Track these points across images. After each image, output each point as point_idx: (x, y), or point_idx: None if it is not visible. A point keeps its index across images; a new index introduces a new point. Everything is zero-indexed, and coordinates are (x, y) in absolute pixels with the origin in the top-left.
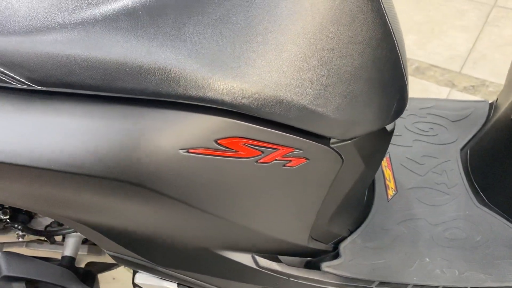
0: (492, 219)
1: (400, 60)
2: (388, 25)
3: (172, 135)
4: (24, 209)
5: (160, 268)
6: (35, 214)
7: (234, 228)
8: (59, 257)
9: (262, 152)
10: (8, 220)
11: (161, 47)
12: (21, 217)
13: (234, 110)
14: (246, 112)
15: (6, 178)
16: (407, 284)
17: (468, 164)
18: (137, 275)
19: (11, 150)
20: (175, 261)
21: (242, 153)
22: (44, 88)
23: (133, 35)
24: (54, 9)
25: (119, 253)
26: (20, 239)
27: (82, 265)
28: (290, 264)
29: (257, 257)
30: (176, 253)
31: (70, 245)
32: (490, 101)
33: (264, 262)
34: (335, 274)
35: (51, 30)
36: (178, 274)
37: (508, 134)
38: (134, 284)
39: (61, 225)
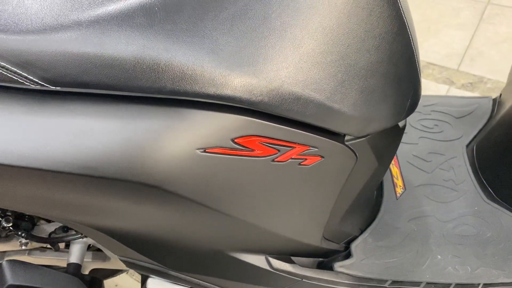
0: (501, 214)
1: (414, 55)
2: (404, 20)
3: (189, 135)
4: (35, 215)
5: (172, 273)
6: (38, 221)
7: (248, 229)
8: (63, 264)
9: (278, 150)
10: (11, 227)
11: (178, 43)
12: (24, 225)
13: (251, 108)
14: (264, 109)
15: (18, 181)
16: (420, 282)
17: (475, 160)
18: (149, 280)
19: (23, 153)
20: (189, 264)
21: (258, 152)
22: (58, 88)
23: (150, 31)
24: (68, 6)
25: (131, 258)
26: (23, 247)
27: (87, 272)
28: (303, 265)
29: (270, 259)
30: (190, 257)
31: (75, 252)
32: (493, 97)
33: (277, 263)
34: (348, 274)
35: (65, 28)
36: (191, 278)
37: None
38: None
39: (66, 231)
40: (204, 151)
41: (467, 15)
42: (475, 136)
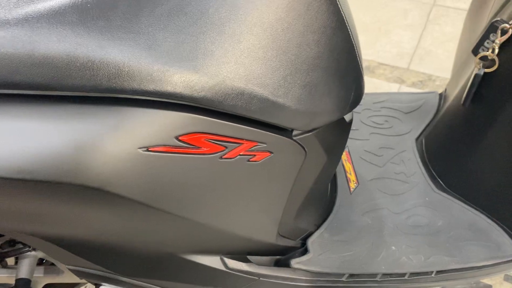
0: (451, 204)
1: (355, 49)
2: (342, 14)
3: (130, 134)
4: None
5: (124, 279)
6: None
7: (200, 230)
8: (12, 281)
9: (226, 147)
10: None
11: (113, 40)
12: None
13: (194, 105)
14: (207, 106)
15: None
16: (376, 274)
17: (424, 152)
18: None
19: None
20: (140, 269)
21: (205, 149)
22: None
23: (83, 28)
24: None
25: (80, 266)
26: None
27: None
28: (259, 264)
29: (225, 259)
30: (141, 261)
31: (24, 267)
32: (439, 92)
33: (233, 263)
34: (305, 270)
35: None
36: (144, 283)
37: (460, 120)
38: None
39: (13, 245)
40: (147, 150)
41: (414, 16)
42: (423, 130)
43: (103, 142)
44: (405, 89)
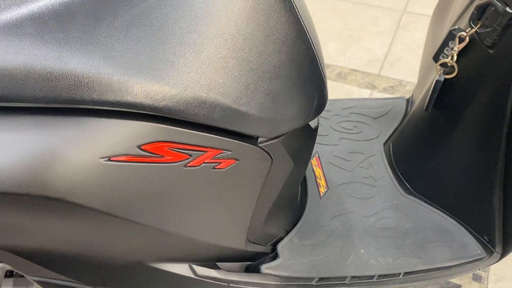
0: (418, 206)
1: (316, 58)
2: (302, 24)
3: (90, 144)
4: None
5: None
6: None
7: (167, 238)
8: None
9: (190, 155)
10: None
11: (71, 51)
12: None
13: (156, 114)
14: (169, 115)
15: None
16: (345, 277)
17: (392, 156)
18: None
19: None
20: (108, 279)
21: (168, 157)
22: None
23: (40, 40)
24: None
25: (46, 277)
26: None
27: None
28: (229, 270)
29: (194, 266)
30: (108, 271)
31: None
32: (407, 97)
33: (202, 270)
34: (275, 275)
35: None
36: None
37: (424, 125)
38: None
39: None
40: (109, 160)
41: (385, 23)
42: (391, 135)
43: (64, 152)
44: (377, 94)
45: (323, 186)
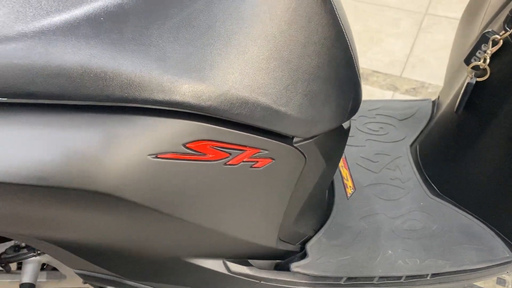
0: (445, 209)
1: (353, 59)
2: (341, 26)
3: (140, 141)
4: None
5: (130, 282)
6: None
7: (204, 234)
8: (16, 287)
9: (230, 154)
10: None
11: (125, 52)
12: None
13: (201, 113)
14: (213, 114)
15: None
16: (373, 277)
17: (419, 158)
18: None
19: None
20: (146, 273)
21: (210, 156)
22: (4, 100)
23: (96, 41)
24: (12, 18)
25: (87, 270)
26: None
27: None
28: (260, 268)
29: (228, 263)
30: (146, 265)
31: (28, 272)
32: (432, 99)
33: (235, 267)
34: (304, 274)
35: (10, 39)
36: (149, 287)
37: (454, 127)
38: None
39: (17, 251)
40: (156, 157)
41: (406, 25)
42: (417, 137)
43: (115, 149)
44: (399, 96)
45: (350, 187)
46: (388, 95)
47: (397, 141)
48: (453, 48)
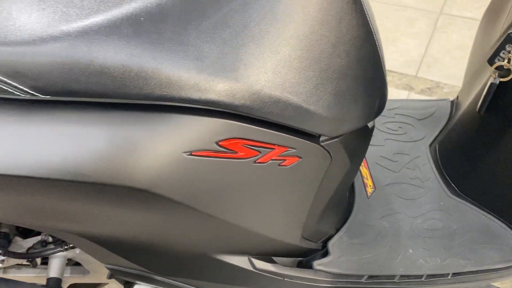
0: (465, 208)
1: (380, 60)
2: (370, 26)
3: (176, 139)
4: (23, 226)
5: (158, 278)
6: (13, 237)
7: (232, 230)
8: (40, 281)
9: (260, 152)
10: None
11: (164, 51)
12: (0, 242)
13: (234, 112)
14: (246, 113)
15: (9, 191)
16: (394, 276)
17: (438, 158)
18: (136, 287)
19: (14, 162)
20: (174, 268)
21: (241, 153)
22: (48, 97)
23: (137, 41)
24: (56, 18)
25: (117, 265)
26: (0, 265)
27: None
28: (284, 265)
29: (253, 260)
30: (176, 261)
31: (55, 266)
32: (451, 99)
33: (260, 264)
34: (326, 272)
35: (54, 39)
36: (176, 282)
37: (475, 127)
38: None
39: (45, 246)
40: (190, 154)
41: (421, 25)
42: (436, 136)
43: (152, 146)
44: (414, 96)
45: (370, 186)
46: (403, 94)
47: (416, 140)
48: (473, 48)
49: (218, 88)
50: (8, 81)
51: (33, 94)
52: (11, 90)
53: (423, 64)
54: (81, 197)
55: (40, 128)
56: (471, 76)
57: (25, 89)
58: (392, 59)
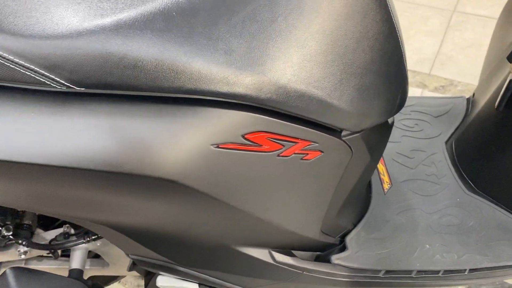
0: (481, 205)
1: (403, 55)
2: (393, 22)
3: (204, 131)
4: (52, 215)
5: (181, 268)
6: (36, 229)
7: (254, 223)
8: (61, 273)
9: (283, 146)
10: (11, 236)
11: (195, 45)
12: (23, 233)
13: (260, 106)
14: (271, 106)
15: (42, 181)
16: (411, 271)
17: (454, 155)
18: (159, 278)
19: (50, 152)
20: (197, 260)
21: (265, 147)
22: (82, 90)
23: (169, 35)
24: (91, 13)
25: (142, 255)
26: (22, 256)
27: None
28: (302, 259)
29: (273, 253)
30: (199, 252)
31: (77, 258)
32: (466, 97)
33: (280, 257)
34: (344, 266)
35: (90, 32)
36: (199, 273)
37: (493, 124)
38: None
39: (67, 238)
40: (217, 147)
41: (435, 23)
42: (453, 133)
43: (181, 138)
44: (428, 93)
45: (386, 182)
46: (417, 92)
47: (433, 137)
48: (491, 46)
49: (245, 81)
50: (46, 73)
51: (68, 86)
52: (49, 82)
53: (436, 62)
54: (112, 188)
55: (74, 119)
56: (489, 73)
57: (61, 81)
58: (406, 57)
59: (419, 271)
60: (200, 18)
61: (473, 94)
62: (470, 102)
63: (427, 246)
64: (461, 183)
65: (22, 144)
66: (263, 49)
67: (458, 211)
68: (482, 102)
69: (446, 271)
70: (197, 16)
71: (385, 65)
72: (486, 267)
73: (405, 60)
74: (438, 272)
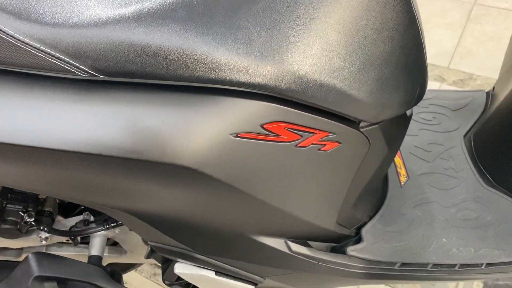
0: (499, 199)
1: (423, 46)
2: (414, 13)
3: (224, 121)
4: (76, 202)
5: (199, 256)
6: (56, 216)
7: (271, 212)
8: (80, 259)
9: (301, 136)
10: (33, 222)
11: (216, 35)
12: (45, 220)
13: (278, 95)
14: (290, 97)
15: (65, 167)
16: (427, 264)
17: (473, 149)
18: (176, 265)
19: (74, 139)
20: (215, 248)
21: (284, 137)
22: (106, 78)
23: (191, 24)
24: (115, 1)
25: (161, 242)
26: (43, 242)
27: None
28: (318, 249)
29: (289, 242)
30: (217, 240)
31: (96, 245)
32: (486, 90)
33: (296, 247)
34: (359, 258)
35: (114, 21)
36: (216, 261)
37: None
38: (174, 275)
39: (87, 225)
40: (236, 136)
41: (454, 16)
42: (471, 127)
43: (202, 127)
44: (446, 87)
45: (403, 175)
46: (435, 86)
47: (451, 131)
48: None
49: (265, 71)
50: (71, 61)
51: (92, 74)
52: (73, 70)
53: (455, 56)
54: (133, 174)
55: (97, 107)
56: (510, 66)
57: (85, 69)
58: None
59: (435, 264)
60: (221, 8)
61: (493, 88)
62: (490, 96)
63: (444, 239)
64: (479, 177)
65: (46, 131)
66: (283, 39)
67: (476, 205)
68: (502, 96)
69: (463, 265)
70: (218, 5)
71: (404, 56)
72: (503, 262)
73: (425, 52)
74: (454, 266)
